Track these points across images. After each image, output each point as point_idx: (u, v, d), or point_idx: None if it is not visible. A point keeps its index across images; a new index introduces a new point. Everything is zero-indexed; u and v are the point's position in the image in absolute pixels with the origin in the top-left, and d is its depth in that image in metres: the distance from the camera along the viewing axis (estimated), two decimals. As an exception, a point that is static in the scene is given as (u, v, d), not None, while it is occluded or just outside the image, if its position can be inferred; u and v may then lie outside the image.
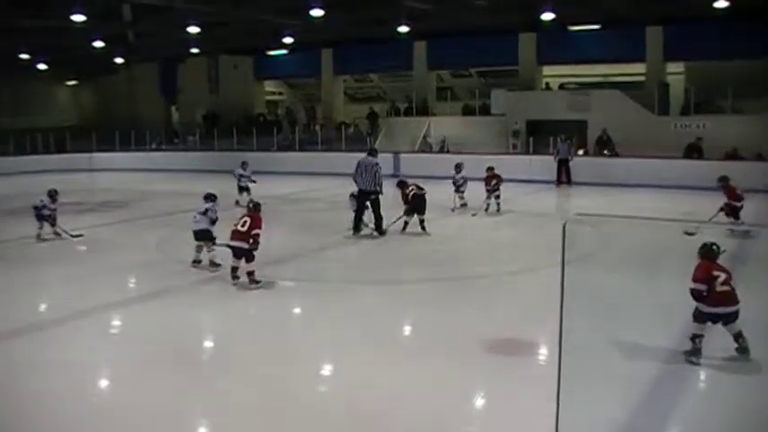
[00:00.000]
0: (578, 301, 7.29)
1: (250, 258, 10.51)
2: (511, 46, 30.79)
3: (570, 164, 23.00)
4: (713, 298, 6.97)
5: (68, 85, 44.18)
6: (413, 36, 30.67)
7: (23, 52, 32.74)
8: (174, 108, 41.27)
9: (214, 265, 11.43)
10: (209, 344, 8.76)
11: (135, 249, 13.74)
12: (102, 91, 43.19)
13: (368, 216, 14.22)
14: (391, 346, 8.16)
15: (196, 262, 11.71)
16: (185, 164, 30.47)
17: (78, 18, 23.20)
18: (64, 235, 14.48)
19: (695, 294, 7.02)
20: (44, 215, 14.50)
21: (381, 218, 14.36)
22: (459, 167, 17.06)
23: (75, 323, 9.15)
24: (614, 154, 23.77)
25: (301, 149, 30.94)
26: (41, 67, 37.00)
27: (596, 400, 6.15)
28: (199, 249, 11.67)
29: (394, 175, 23.64)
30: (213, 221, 11.53)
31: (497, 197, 16.39)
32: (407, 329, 9.24)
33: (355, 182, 14.43)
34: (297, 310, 10.23)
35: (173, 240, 14.15)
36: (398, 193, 14.55)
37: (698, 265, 7.07)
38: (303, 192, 22.45)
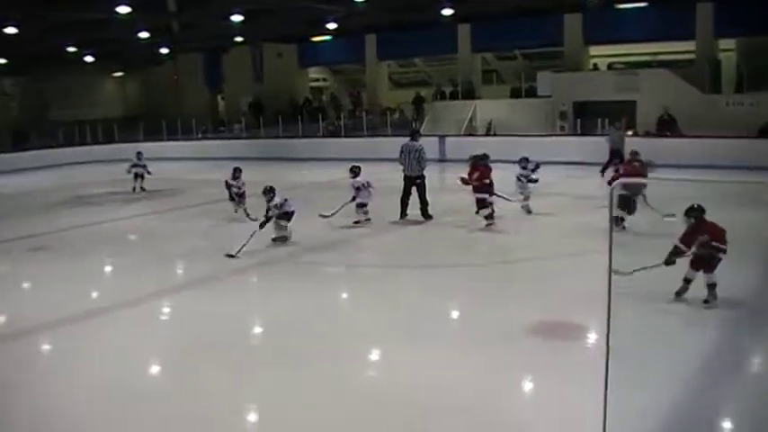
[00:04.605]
0: (627, 281, 7.16)
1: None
2: (556, 26, 30.30)
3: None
4: None
5: (115, 77, 44.72)
6: (456, 19, 30.36)
7: (70, 45, 33.19)
8: (219, 97, 41.55)
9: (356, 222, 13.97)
10: (256, 330, 8.78)
11: (183, 237, 13.85)
12: (147, 82, 43.66)
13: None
14: (436, 332, 8.10)
15: (356, 222, 13.94)
16: (232, 152, 30.54)
17: (123, 10, 23.43)
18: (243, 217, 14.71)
19: None
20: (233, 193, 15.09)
21: (427, 202, 14.26)
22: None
23: (124, 312, 9.24)
24: (674, 135, 22.43)
25: (346, 135, 30.89)
26: (88, 59, 37.49)
27: (647, 385, 6.01)
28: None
29: (440, 160, 23.55)
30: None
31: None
32: (453, 315, 9.17)
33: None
34: (342, 296, 10.22)
35: (220, 228, 14.24)
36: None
37: None
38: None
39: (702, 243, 8.18)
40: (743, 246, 8.97)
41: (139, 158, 21.00)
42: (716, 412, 5.95)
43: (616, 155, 19.70)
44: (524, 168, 14.41)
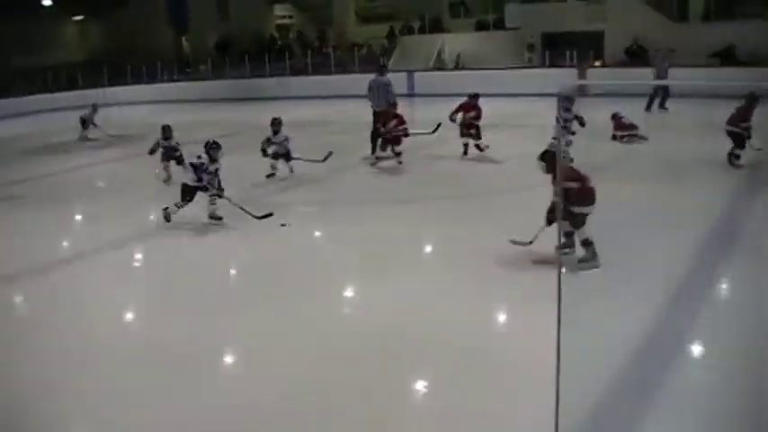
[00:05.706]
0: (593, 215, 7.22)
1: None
2: (525, -46, 29.87)
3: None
4: None
5: (75, 21, 43.58)
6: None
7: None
8: (183, 38, 40.78)
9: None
10: (233, 273, 8.80)
11: (153, 182, 13.70)
12: (110, 24, 42.63)
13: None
14: (407, 264, 8.23)
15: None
16: (198, 93, 30.26)
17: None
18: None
19: None
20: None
21: (397, 138, 14.24)
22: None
23: (91, 260, 9.24)
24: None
25: (314, 73, 30.57)
26: (46, 2, 36.48)
27: (603, 314, 6.13)
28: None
29: (409, 95, 23.41)
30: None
31: None
32: (423, 247, 9.28)
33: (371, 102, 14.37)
34: (316, 234, 10.24)
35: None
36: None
37: None
38: (318, 116, 22.19)
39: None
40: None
41: (95, 110, 20.44)
42: (680, 343, 6.06)
43: (662, 88, 18.50)
44: (567, 110, 12.66)
